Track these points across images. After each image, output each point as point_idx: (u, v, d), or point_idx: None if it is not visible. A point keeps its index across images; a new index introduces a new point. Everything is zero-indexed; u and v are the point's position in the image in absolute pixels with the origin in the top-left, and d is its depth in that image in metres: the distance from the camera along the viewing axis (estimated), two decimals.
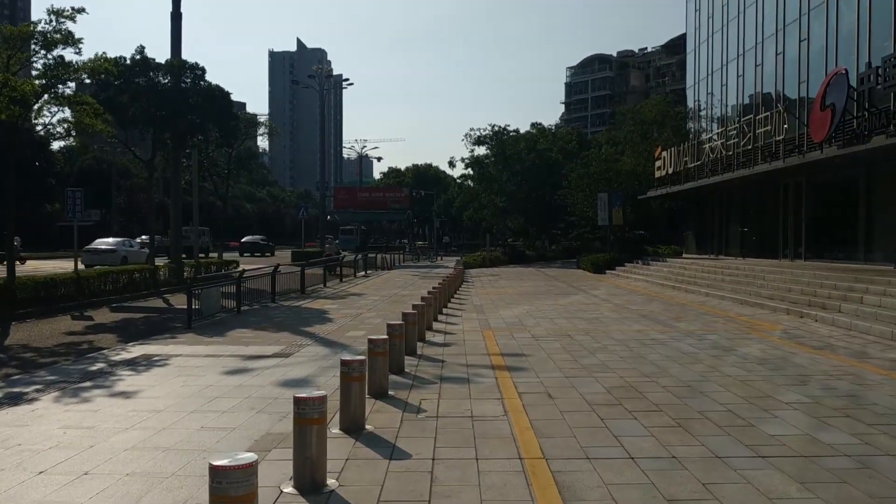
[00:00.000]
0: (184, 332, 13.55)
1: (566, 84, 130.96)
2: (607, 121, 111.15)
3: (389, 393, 7.99)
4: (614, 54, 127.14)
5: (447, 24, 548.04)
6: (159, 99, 22.60)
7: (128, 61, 22.03)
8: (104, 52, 18.49)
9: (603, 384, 8.63)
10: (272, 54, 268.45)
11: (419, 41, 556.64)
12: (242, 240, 61.39)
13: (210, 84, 23.80)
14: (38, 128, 19.51)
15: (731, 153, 27.04)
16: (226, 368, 9.75)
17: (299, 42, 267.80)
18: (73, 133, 18.92)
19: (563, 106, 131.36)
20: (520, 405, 7.56)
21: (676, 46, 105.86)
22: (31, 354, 11.72)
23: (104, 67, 19.01)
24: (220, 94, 24.09)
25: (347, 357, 6.58)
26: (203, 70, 23.50)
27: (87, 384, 8.83)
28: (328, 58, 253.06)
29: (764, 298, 17.64)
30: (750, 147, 25.35)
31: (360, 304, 18.82)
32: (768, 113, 24.19)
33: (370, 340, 7.94)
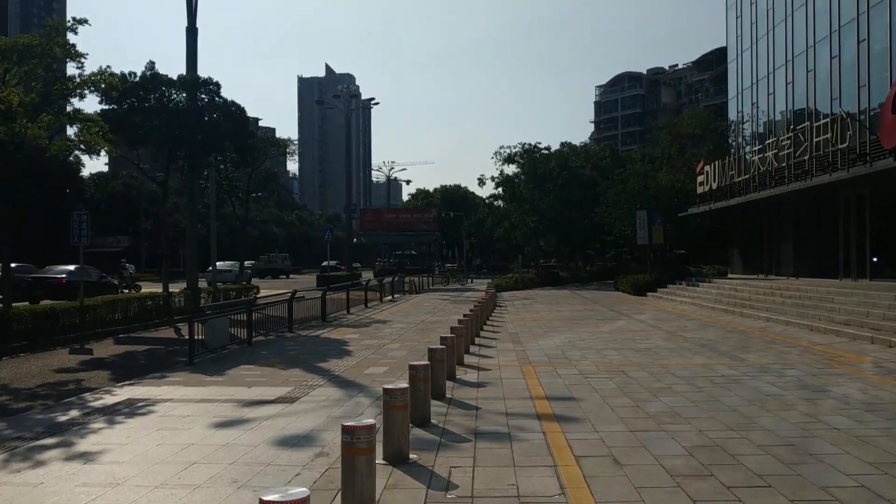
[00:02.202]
0: (183, 368, 12.01)
1: (595, 102, 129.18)
2: (638, 139, 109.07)
3: (410, 457, 6.30)
4: (644, 71, 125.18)
5: (476, 47, 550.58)
6: (173, 117, 21.36)
7: (137, 77, 20.86)
8: (108, 66, 17.30)
9: (681, 442, 6.83)
10: (301, 80, 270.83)
11: (447, 65, 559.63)
12: (322, 264, 70.14)
13: (226, 100, 22.53)
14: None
15: (784, 165, 25.00)
16: (217, 419, 8.14)
17: (328, 67, 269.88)
18: (76, 151, 17.56)
19: (592, 125, 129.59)
20: (579, 475, 5.82)
21: (709, 62, 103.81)
22: (6, 398, 10.25)
23: (110, 82, 17.85)
24: (236, 111, 22.83)
25: (351, 422, 4.91)
26: (218, 85, 22.24)
27: (48, 441, 7.28)
28: (357, 82, 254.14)
29: (838, 324, 15.61)
30: (807, 157, 23.32)
31: (385, 334, 17.18)
32: (827, 119, 22.19)
33: (386, 391, 6.27)
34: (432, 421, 7.72)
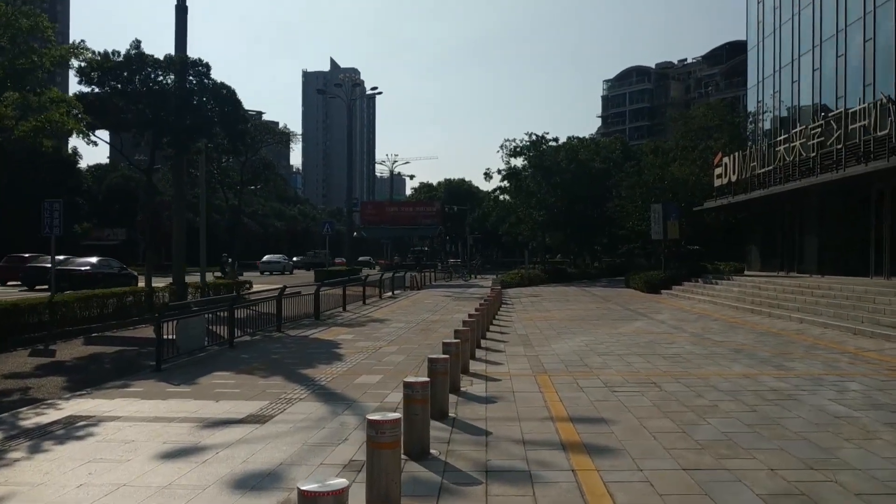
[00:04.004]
0: (149, 375, 10.49)
1: (603, 97, 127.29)
2: (646, 134, 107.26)
3: None
4: (652, 66, 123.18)
5: (481, 42, 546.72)
6: (159, 99, 19.78)
7: (121, 57, 19.30)
8: (83, 41, 15.73)
9: (752, 488, 5.27)
10: (306, 74, 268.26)
11: (451, 60, 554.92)
12: (360, 259, 74.24)
13: (216, 82, 20.96)
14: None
15: (814, 154, 23.35)
16: (167, 446, 6.60)
17: (332, 62, 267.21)
18: (42, 136, 15.89)
19: (599, 120, 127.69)
20: None
21: (718, 56, 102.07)
22: None
23: (91, 60, 16.32)
24: (226, 94, 21.25)
25: (311, 485, 3.36)
26: (208, 66, 20.63)
27: None
28: (361, 76, 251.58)
29: (886, 328, 14.03)
30: (840, 146, 21.67)
31: (381, 334, 15.64)
32: (865, 105, 20.56)
33: (371, 424, 4.72)
34: (431, 451, 6.18)
